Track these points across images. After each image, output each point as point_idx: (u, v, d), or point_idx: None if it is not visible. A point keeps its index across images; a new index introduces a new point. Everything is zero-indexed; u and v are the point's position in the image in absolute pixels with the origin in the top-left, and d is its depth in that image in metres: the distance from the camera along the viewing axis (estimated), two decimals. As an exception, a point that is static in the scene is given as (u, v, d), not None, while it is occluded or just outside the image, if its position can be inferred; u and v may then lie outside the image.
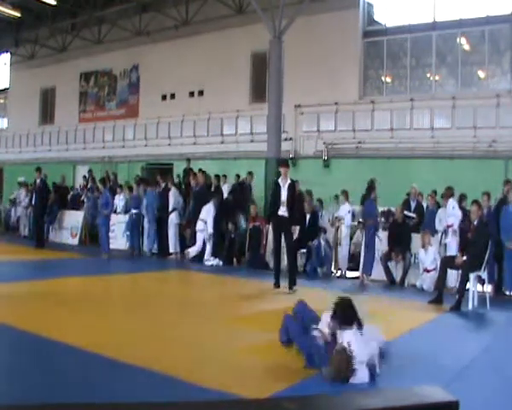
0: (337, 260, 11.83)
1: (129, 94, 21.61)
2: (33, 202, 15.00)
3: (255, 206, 12.81)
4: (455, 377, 4.59)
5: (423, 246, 9.96)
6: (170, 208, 13.20)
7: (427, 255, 9.93)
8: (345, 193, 11.78)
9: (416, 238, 10.52)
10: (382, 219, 11.94)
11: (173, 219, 13.20)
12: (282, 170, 9.18)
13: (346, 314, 4.56)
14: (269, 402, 1.62)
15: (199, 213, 12.52)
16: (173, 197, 13.30)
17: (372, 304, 8.38)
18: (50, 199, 15.51)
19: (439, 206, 11.30)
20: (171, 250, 13.24)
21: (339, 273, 11.64)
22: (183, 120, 19.50)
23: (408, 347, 5.70)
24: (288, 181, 9.09)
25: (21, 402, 3.44)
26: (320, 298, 8.72)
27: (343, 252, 11.60)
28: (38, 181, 14.50)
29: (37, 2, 19.47)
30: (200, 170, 13.70)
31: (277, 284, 9.05)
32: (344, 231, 11.59)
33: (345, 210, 11.61)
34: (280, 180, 9.15)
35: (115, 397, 3.70)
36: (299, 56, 16.09)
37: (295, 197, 9.54)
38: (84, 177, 18.96)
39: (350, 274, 11.53)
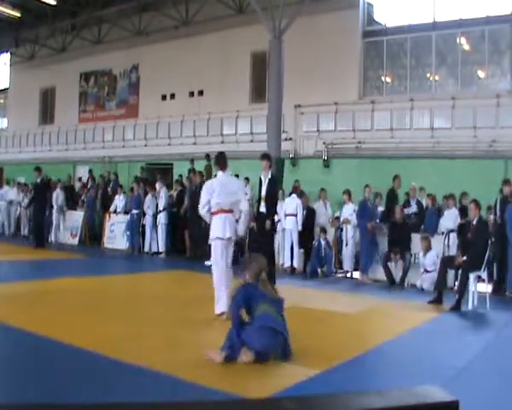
0: (338, 260, 11.79)
1: (129, 94, 21.60)
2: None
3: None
4: (455, 377, 4.59)
5: (423, 251, 9.98)
6: (160, 208, 13.40)
7: (426, 259, 9.95)
8: (347, 193, 11.68)
9: (415, 238, 10.51)
10: (377, 220, 11.86)
11: (161, 218, 13.35)
12: (261, 164, 8.73)
13: None
14: (269, 402, 1.61)
15: (195, 212, 12.58)
16: (164, 198, 13.45)
17: (372, 304, 8.39)
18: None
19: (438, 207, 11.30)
20: (161, 249, 13.56)
21: (344, 274, 11.60)
22: (182, 120, 19.50)
23: (408, 347, 5.71)
24: (269, 176, 8.71)
25: (21, 402, 3.43)
26: (320, 298, 8.74)
27: (348, 253, 11.45)
28: (38, 181, 14.49)
29: (37, 2, 19.50)
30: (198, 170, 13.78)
31: None
32: (350, 231, 11.44)
33: (349, 210, 11.55)
34: (262, 175, 8.81)
35: (115, 397, 3.70)
36: (299, 56, 16.08)
37: (275, 192, 9.21)
38: (80, 178, 19.07)
39: (356, 275, 11.45)
